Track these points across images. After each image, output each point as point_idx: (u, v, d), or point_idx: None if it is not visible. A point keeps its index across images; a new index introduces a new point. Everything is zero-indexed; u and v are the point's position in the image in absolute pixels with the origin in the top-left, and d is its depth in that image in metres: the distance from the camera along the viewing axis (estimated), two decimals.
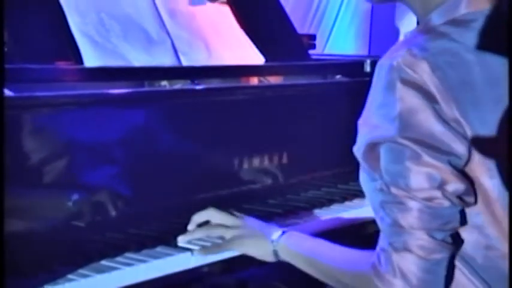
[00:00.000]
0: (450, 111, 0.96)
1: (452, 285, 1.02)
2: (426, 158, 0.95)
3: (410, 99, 0.95)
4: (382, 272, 0.98)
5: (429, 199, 0.95)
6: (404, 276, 0.96)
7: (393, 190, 0.97)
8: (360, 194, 1.61)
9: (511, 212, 0.98)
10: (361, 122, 1.03)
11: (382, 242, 1.01)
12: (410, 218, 0.96)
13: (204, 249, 1.24)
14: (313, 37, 2.06)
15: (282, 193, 1.56)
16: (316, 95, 1.67)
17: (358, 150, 1.03)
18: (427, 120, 0.95)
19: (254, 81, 1.68)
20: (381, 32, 4.28)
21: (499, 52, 1.01)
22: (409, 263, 0.96)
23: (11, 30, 1.27)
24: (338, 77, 1.79)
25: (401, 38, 4.31)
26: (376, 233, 1.40)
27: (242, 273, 1.31)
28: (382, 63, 0.99)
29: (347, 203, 1.58)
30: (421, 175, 0.95)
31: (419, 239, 0.96)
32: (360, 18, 4.45)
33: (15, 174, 1.13)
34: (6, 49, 1.26)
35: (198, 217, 1.29)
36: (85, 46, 1.34)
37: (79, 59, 1.32)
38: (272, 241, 1.21)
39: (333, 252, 1.14)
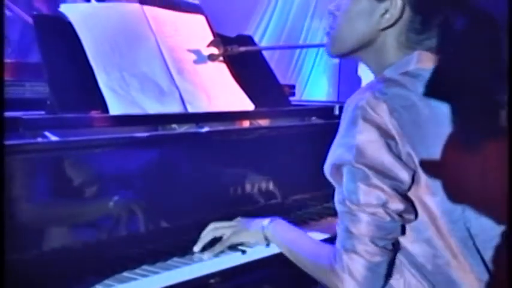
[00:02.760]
0: (403, 146, 0.96)
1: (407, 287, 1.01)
2: (374, 180, 0.96)
3: (368, 133, 0.96)
4: (335, 267, 1.00)
5: (374, 214, 0.97)
6: (351, 273, 0.98)
7: (348, 203, 0.99)
8: (332, 213, 1.61)
9: (510, 213, 0.98)
10: (332, 147, 1.05)
11: (337, 243, 1.02)
12: (359, 226, 0.98)
13: (213, 250, 1.26)
14: (292, 87, 2.07)
15: (269, 213, 1.52)
16: (296, 134, 1.67)
17: (326, 168, 1.05)
18: (379, 151, 0.96)
19: (246, 124, 1.68)
20: (347, 81, 4.32)
21: (441, 98, 1.01)
22: (356, 263, 0.97)
23: (52, 86, 1.28)
24: (313, 119, 1.79)
25: (363, 85, 4.36)
26: None
27: (240, 279, 1.29)
28: (350, 102, 1.00)
29: (322, 221, 1.57)
30: (369, 194, 0.97)
31: (365, 244, 0.97)
32: (330, 70, 4.50)
33: (54, 200, 1.13)
34: (48, 102, 1.26)
35: (205, 235, 1.30)
36: (110, 98, 1.34)
37: (105, 109, 1.32)
38: (262, 227, 1.24)
39: (306, 244, 1.15)
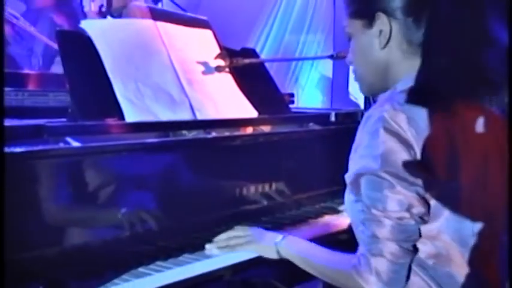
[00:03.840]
0: (420, 152, 0.95)
1: (409, 283, 1.00)
2: (399, 188, 0.95)
3: (390, 143, 0.95)
4: (361, 271, 0.97)
5: (400, 218, 0.95)
6: (378, 274, 0.96)
7: (373, 211, 0.97)
8: (328, 212, 1.60)
9: (510, 213, 0.98)
10: (351, 158, 1.02)
11: (361, 248, 1.00)
12: (384, 231, 0.96)
13: (222, 251, 1.23)
14: (292, 95, 2.06)
15: (271, 212, 1.54)
16: (295, 139, 1.66)
17: (348, 177, 1.03)
18: (402, 159, 0.95)
19: (250, 130, 1.67)
20: (339, 90, 4.32)
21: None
22: (382, 265, 0.96)
23: (73, 96, 1.27)
24: (311, 124, 1.78)
25: (350, 91, 4.35)
26: (341, 240, 1.39)
27: (246, 274, 1.27)
28: (371, 114, 0.99)
29: (319, 219, 1.56)
30: (395, 201, 0.95)
31: (391, 247, 0.96)
32: (324, 81, 4.50)
33: (75, 201, 1.12)
34: (70, 110, 1.25)
35: (221, 241, 1.26)
36: (126, 106, 1.32)
37: (121, 116, 1.31)
38: (275, 244, 1.20)
39: (321, 253, 1.13)
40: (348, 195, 1.05)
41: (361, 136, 0.99)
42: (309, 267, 1.13)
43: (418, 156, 0.94)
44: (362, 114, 1.86)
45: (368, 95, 1.12)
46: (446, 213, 0.97)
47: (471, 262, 0.99)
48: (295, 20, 4.41)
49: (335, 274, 1.05)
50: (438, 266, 0.98)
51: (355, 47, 1.08)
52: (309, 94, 4.45)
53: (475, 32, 0.99)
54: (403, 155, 0.94)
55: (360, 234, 1.01)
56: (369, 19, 1.04)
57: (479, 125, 1.02)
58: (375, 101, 1.30)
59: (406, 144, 0.94)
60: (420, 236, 0.98)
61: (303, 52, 4.38)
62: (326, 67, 4.48)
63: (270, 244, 1.20)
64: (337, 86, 4.40)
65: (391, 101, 0.97)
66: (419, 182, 0.95)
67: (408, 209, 0.95)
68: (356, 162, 1.00)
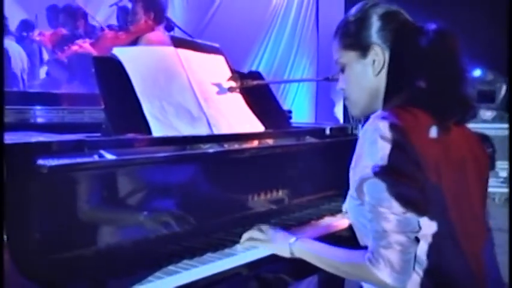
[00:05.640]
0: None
1: None
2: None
3: (387, 148, 0.95)
4: (375, 263, 0.96)
5: (404, 212, 0.95)
6: (391, 265, 0.95)
7: (380, 209, 0.96)
8: (329, 214, 1.59)
9: (511, 211, 0.98)
10: (353, 167, 1.01)
11: (373, 243, 0.98)
12: (392, 225, 0.95)
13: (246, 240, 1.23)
14: (290, 111, 2.05)
15: (278, 215, 1.52)
16: (297, 150, 1.65)
17: (353, 184, 1.02)
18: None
19: (257, 143, 1.66)
20: (323, 104, 4.36)
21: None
22: (393, 256, 0.95)
23: (107, 113, 1.25)
24: (307, 137, 1.77)
25: (336, 107, 4.38)
26: (341, 239, 1.38)
27: (260, 270, 1.25)
28: (368, 127, 0.99)
29: (321, 220, 1.55)
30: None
31: (399, 239, 0.95)
32: (309, 96, 4.53)
33: (110, 207, 1.09)
34: (103, 126, 1.23)
35: (244, 239, 1.26)
36: (153, 123, 1.31)
37: (149, 131, 1.29)
38: (289, 245, 1.17)
39: (334, 251, 1.10)
40: (352, 200, 1.04)
41: (361, 147, 1.00)
42: (323, 264, 1.10)
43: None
44: (352, 129, 1.87)
45: (360, 117, 1.11)
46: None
47: (462, 259, 0.99)
48: (285, 45, 4.46)
49: (350, 268, 1.03)
50: (432, 261, 0.98)
51: (349, 75, 1.09)
52: (297, 108, 4.47)
53: (450, 63, 1.01)
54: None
55: (371, 231, 0.99)
56: (363, 50, 1.06)
57: (455, 137, 1.03)
58: (353, 118, 1.31)
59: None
60: (420, 228, 0.98)
61: (292, 72, 4.42)
62: (311, 87, 4.52)
63: (284, 245, 1.18)
64: (321, 101, 4.44)
65: (384, 115, 0.98)
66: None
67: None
68: (359, 169, 0.99)
